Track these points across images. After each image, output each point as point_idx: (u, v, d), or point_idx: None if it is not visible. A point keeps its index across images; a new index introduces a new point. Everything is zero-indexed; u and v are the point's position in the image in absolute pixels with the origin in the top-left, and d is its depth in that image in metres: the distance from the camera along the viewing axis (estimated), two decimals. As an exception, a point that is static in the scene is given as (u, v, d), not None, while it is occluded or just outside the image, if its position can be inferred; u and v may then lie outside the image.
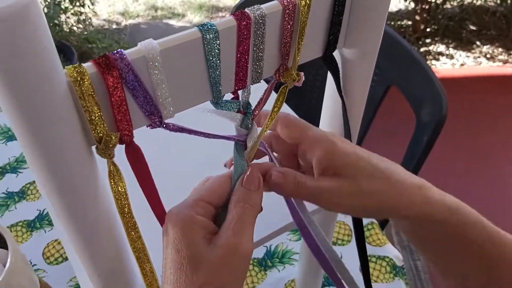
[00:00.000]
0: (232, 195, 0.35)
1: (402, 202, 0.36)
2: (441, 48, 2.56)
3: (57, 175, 0.30)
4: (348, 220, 0.80)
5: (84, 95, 0.28)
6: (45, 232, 0.78)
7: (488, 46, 2.57)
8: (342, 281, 0.45)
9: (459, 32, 2.65)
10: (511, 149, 1.92)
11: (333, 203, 0.37)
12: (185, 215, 0.33)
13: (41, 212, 0.80)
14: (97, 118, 0.29)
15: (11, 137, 0.92)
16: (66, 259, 0.74)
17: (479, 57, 2.50)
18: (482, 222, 0.38)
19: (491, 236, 0.38)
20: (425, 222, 0.37)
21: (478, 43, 2.58)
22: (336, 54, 0.40)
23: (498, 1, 2.62)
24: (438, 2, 2.56)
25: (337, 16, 0.36)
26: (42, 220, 0.79)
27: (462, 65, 2.45)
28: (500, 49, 2.54)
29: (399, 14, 2.79)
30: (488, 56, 2.50)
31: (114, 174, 0.32)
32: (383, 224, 0.92)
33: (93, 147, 0.31)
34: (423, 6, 2.52)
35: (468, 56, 2.50)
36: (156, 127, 0.33)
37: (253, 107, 0.37)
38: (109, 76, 0.28)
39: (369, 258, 0.75)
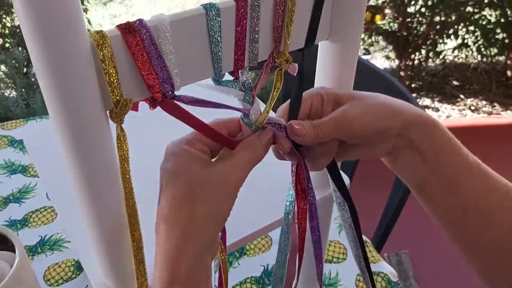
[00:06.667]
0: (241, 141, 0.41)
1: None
2: (426, 102, 2.66)
3: (75, 132, 0.33)
4: (343, 239, 0.83)
5: (105, 57, 0.32)
6: (46, 256, 0.79)
7: (472, 99, 2.67)
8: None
9: (443, 87, 2.76)
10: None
11: (349, 123, 0.41)
12: (183, 145, 0.39)
13: (43, 237, 0.82)
14: (115, 81, 0.34)
15: (14, 171, 0.95)
16: (66, 281, 0.75)
17: (464, 109, 2.60)
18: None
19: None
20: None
21: (462, 96, 2.69)
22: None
23: (479, 58, 2.76)
24: (421, 59, 2.69)
25: (317, 8, 0.41)
26: (43, 245, 0.81)
27: (447, 117, 2.54)
28: (484, 102, 2.65)
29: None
30: (472, 108, 2.60)
31: (121, 138, 0.36)
32: (377, 249, 0.94)
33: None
34: (407, 63, 2.65)
35: (453, 109, 2.60)
36: (168, 100, 0.37)
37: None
38: (131, 38, 0.32)
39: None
